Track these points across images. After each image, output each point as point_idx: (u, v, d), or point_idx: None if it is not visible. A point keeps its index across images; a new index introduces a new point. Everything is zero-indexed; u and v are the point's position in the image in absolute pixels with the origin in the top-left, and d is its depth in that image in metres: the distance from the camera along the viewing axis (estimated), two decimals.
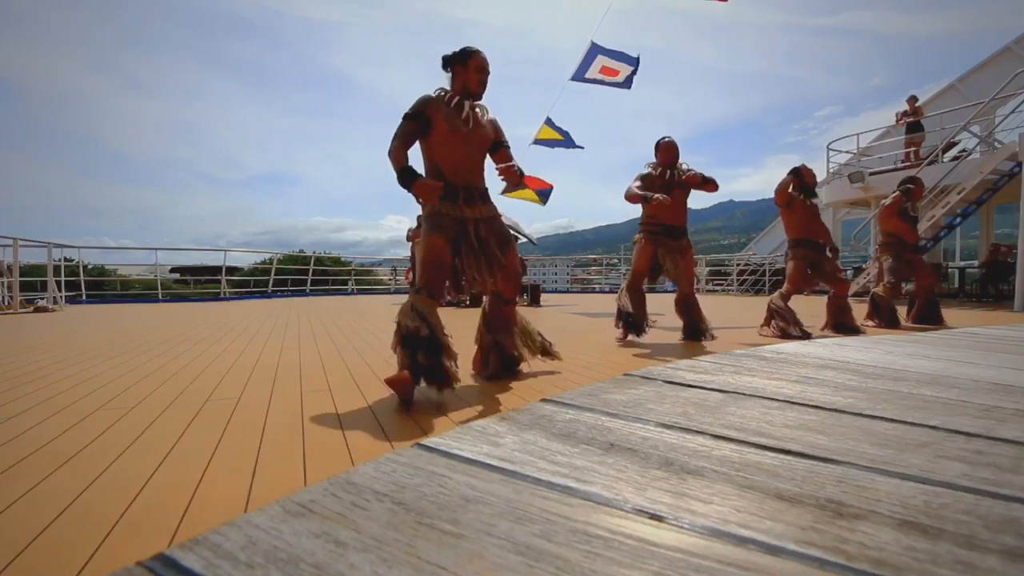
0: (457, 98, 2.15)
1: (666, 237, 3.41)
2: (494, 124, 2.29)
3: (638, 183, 3.35)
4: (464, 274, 2.14)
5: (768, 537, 0.33)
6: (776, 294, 3.86)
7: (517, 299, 2.29)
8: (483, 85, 2.19)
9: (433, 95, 2.17)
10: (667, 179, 3.33)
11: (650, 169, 3.42)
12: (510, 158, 2.25)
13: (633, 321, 3.40)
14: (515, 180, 2.21)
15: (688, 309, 3.49)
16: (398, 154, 2.03)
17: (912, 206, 4.52)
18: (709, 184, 3.32)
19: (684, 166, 3.38)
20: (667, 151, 3.40)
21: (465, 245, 2.11)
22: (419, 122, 2.09)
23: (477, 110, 2.20)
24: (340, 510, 0.35)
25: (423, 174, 2.11)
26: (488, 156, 2.27)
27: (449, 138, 2.10)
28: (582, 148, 7.78)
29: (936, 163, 8.70)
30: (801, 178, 3.86)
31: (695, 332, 3.48)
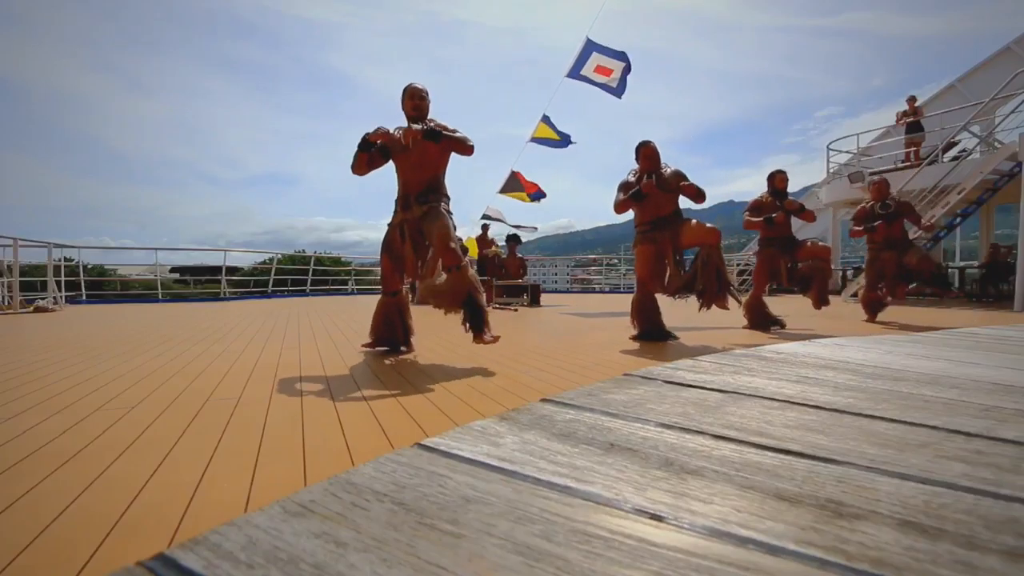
0: (401, 130, 2.72)
1: (659, 231, 3.32)
2: (438, 125, 2.73)
3: (621, 194, 3.37)
4: (407, 265, 2.78)
5: (768, 537, 0.33)
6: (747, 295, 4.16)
7: (462, 264, 2.60)
8: (416, 108, 2.72)
9: (390, 130, 2.77)
10: (651, 183, 3.24)
11: (631, 176, 3.38)
12: (452, 132, 2.70)
13: (652, 329, 3.40)
14: (415, 134, 2.62)
15: (700, 268, 3.22)
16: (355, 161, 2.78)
17: (879, 204, 4.53)
18: (700, 198, 3.31)
19: (668, 169, 3.33)
20: (648, 158, 3.35)
21: (401, 242, 2.78)
22: (372, 149, 2.75)
23: (417, 127, 2.68)
24: (340, 510, 0.35)
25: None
26: (450, 152, 2.78)
27: (397, 161, 2.79)
28: (575, 143, 7.87)
29: (936, 163, 8.70)
30: (771, 183, 4.23)
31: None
